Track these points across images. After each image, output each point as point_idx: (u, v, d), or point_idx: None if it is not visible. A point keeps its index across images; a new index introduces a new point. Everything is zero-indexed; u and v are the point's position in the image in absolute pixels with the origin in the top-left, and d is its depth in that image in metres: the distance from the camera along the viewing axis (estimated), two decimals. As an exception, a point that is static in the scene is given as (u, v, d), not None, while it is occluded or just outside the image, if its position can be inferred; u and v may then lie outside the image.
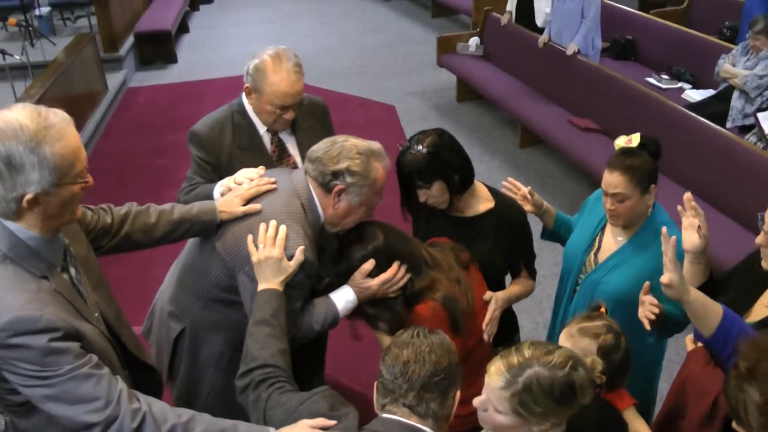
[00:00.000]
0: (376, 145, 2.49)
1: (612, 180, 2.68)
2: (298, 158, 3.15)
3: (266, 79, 2.90)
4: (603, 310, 2.48)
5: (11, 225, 1.88)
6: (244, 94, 3.07)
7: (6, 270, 1.86)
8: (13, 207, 1.84)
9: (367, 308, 2.53)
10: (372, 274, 2.47)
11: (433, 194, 2.75)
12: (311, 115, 3.20)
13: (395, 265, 2.47)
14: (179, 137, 7.40)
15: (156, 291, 2.91)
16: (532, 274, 3.03)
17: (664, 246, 2.19)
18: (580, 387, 1.84)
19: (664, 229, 2.24)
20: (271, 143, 3.11)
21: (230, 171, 2.86)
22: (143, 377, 2.32)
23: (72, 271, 2.05)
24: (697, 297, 2.17)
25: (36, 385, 1.84)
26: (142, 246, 2.45)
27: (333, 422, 1.91)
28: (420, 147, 2.69)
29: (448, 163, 2.72)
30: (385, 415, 1.86)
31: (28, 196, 1.82)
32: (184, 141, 3.15)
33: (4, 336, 1.79)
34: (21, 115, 1.80)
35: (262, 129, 3.08)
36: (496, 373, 1.86)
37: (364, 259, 2.47)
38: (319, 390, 2.02)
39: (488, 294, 2.76)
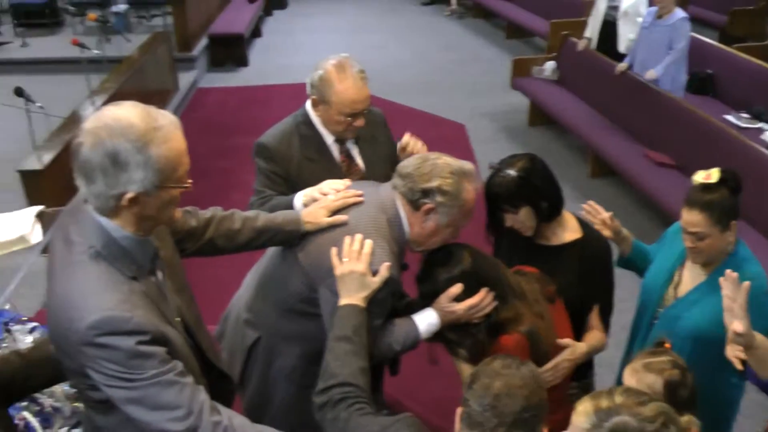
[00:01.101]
0: (468, 165, 2.43)
1: (691, 219, 2.61)
2: (362, 167, 3.12)
3: (333, 89, 2.87)
4: (668, 345, 2.39)
5: (106, 222, 1.86)
6: (308, 106, 3.04)
7: (99, 268, 1.84)
8: (111, 204, 1.82)
9: (448, 333, 2.45)
10: (458, 299, 2.38)
11: (520, 220, 2.66)
12: (371, 124, 3.14)
13: (483, 291, 2.38)
14: (245, 140, 7.46)
15: (213, 291, 2.87)
16: (606, 324, 2.84)
17: (731, 291, 2.13)
18: None
19: (734, 275, 2.16)
20: (340, 153, 3.08)
21: (300, 182, 2.84)
22: (217, 384, 2.26)
23: (159, 274, 2.02)
24: (761, 341, 2.14)
25: (119, 386, 1.81)
26: (224, 251, 2.42)
27: None
28: (510, 170, 2.62)
29: (537, 189, 2.64)
30: None
31: (129, 195, 1.79)
32: (250, 144, 3.12)
33: (93, 334, 1.76)
34: (131, 113, 1.79)
35: (329, 139, 3.05)
36: (583, 414, 1.77)
37: (450, 282, 2.39)
38: (401, 416, 1.95)
39: (567, 341, 2.58)
